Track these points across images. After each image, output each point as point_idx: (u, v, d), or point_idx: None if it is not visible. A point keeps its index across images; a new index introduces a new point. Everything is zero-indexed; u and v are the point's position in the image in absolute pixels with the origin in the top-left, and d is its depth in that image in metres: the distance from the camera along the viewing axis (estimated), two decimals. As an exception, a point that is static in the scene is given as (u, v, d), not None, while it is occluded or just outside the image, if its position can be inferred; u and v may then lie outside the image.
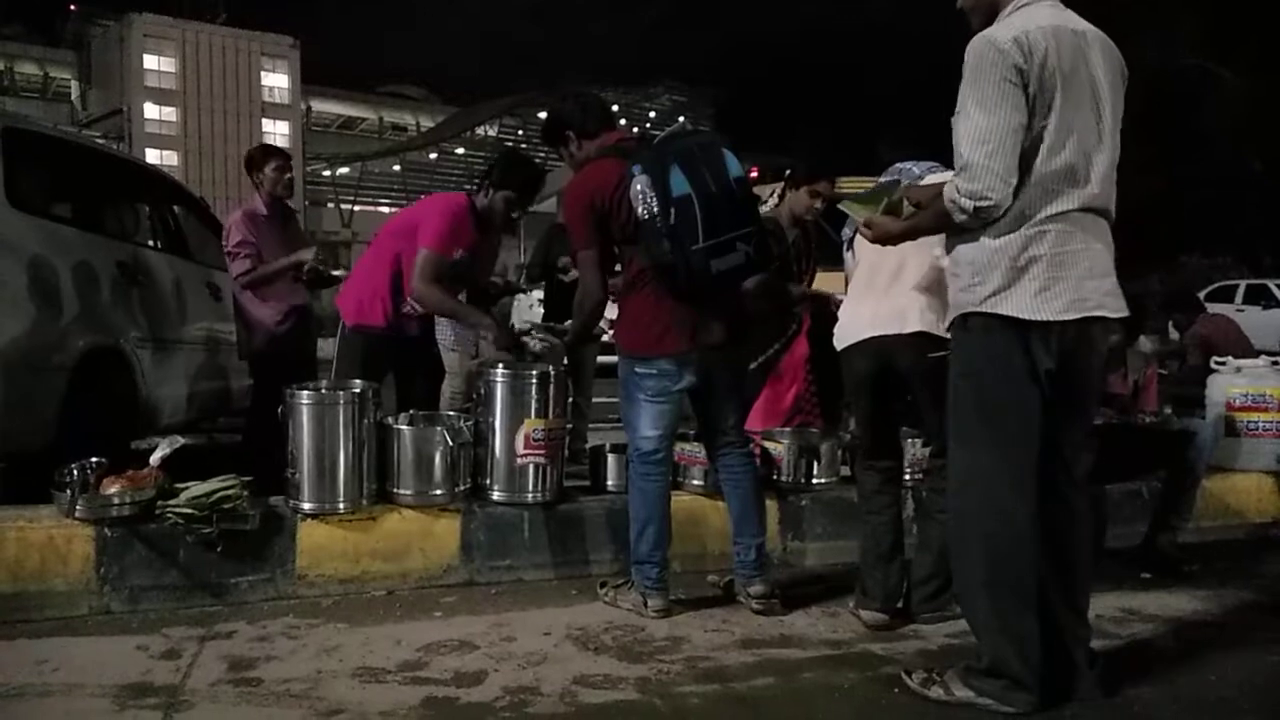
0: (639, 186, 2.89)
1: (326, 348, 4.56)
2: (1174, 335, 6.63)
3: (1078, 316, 2.32)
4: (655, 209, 2.87)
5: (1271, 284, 16.77)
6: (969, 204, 2.28)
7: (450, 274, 3.75)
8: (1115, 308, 2.38)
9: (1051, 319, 2.30)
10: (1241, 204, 22.48)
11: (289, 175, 4.69)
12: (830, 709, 2.48)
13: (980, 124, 2.25)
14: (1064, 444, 2.46)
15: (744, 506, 3.24)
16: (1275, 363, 4.57)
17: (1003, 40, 2.25)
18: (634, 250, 3.07)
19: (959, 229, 2.39)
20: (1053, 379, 2.36)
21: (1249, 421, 4.50)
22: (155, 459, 3.26)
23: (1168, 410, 4.23)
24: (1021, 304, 2.31)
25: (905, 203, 2.65)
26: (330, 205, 44.36)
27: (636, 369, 3.12)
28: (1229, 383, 4.59)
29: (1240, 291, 16.73)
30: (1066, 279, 2.30)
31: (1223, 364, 4.68)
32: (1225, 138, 21.48)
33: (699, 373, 3.10)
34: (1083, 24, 2.37)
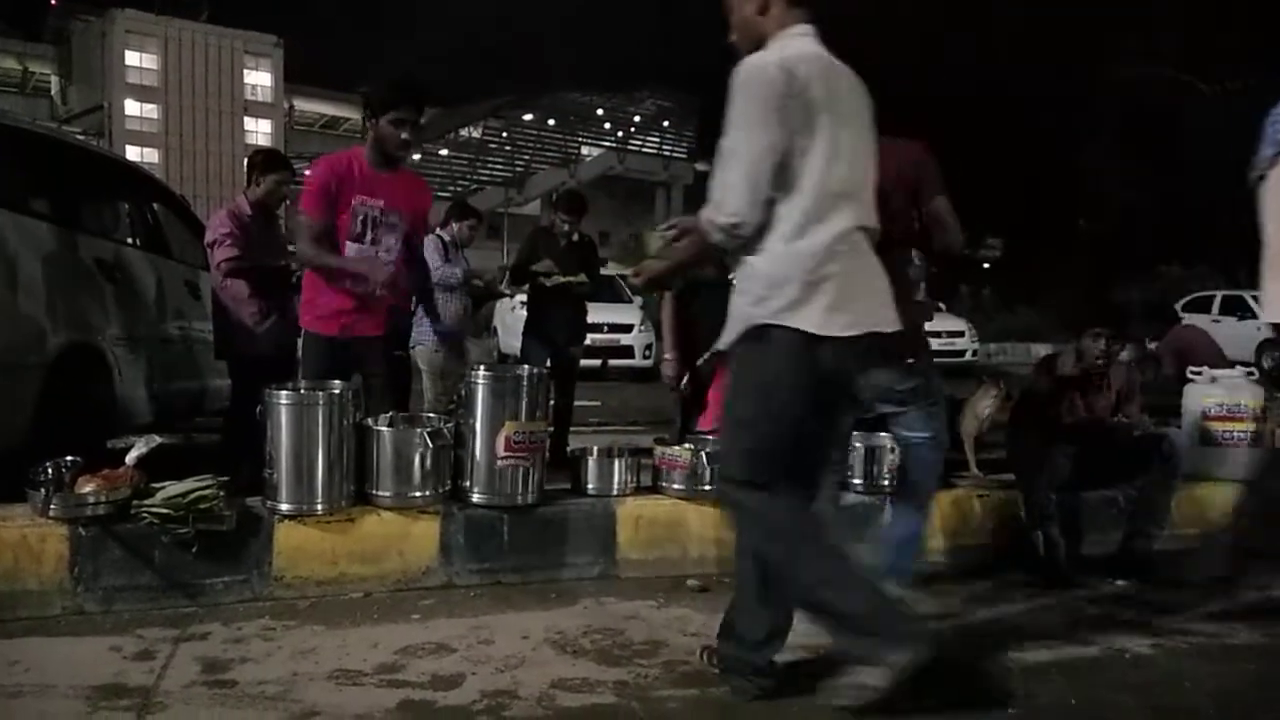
0: None
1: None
2: (1150, 346, 6.71)
3: (860, 333, 2.39)
4: None
5: (1248, 295, 16.95)
6: (724, 221, 2.36)
7: (375, 226, 3.58)
8: (891, 321, 2.47)
9: (839, 334, 2.35)
10: (1219, 215, 22.78)
11: (286, 190, 4.65)
12: (806, 714, 2.49)
13: (738, 147, 2.34)
14: (832, 448, 2.65)
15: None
16: (1250, 373, 4.62)
17: (769, 66, 2.33)
18: None
19: (722, 250, 2.48)
20: (829, 389, 2.44)
21: (1224, 431, 4.55)
22: (131, 458, 3.23)
23: (1145, 418, 4.26)
24: (813, 319, 2.34)
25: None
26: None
27: None
28: (1204, 393, 4.64)
29: (1216, 302, 16.91)
30: (855, 297, 2.39)
31: (1199, 374, 4.73)
32: (1203, 149, 21.79)
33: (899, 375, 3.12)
34: (838, 62, 2.46)
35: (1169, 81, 23.95)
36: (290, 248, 4.91)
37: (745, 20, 2.49)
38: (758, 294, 2.39)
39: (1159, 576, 3.78)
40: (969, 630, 3.17)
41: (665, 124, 44.21)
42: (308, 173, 3.77)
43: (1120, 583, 3.76)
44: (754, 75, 2.33)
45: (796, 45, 2.40)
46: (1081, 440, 3.93)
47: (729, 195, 2.34)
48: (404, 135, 3.52)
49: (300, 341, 3.91)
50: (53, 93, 44.51)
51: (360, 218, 3.56)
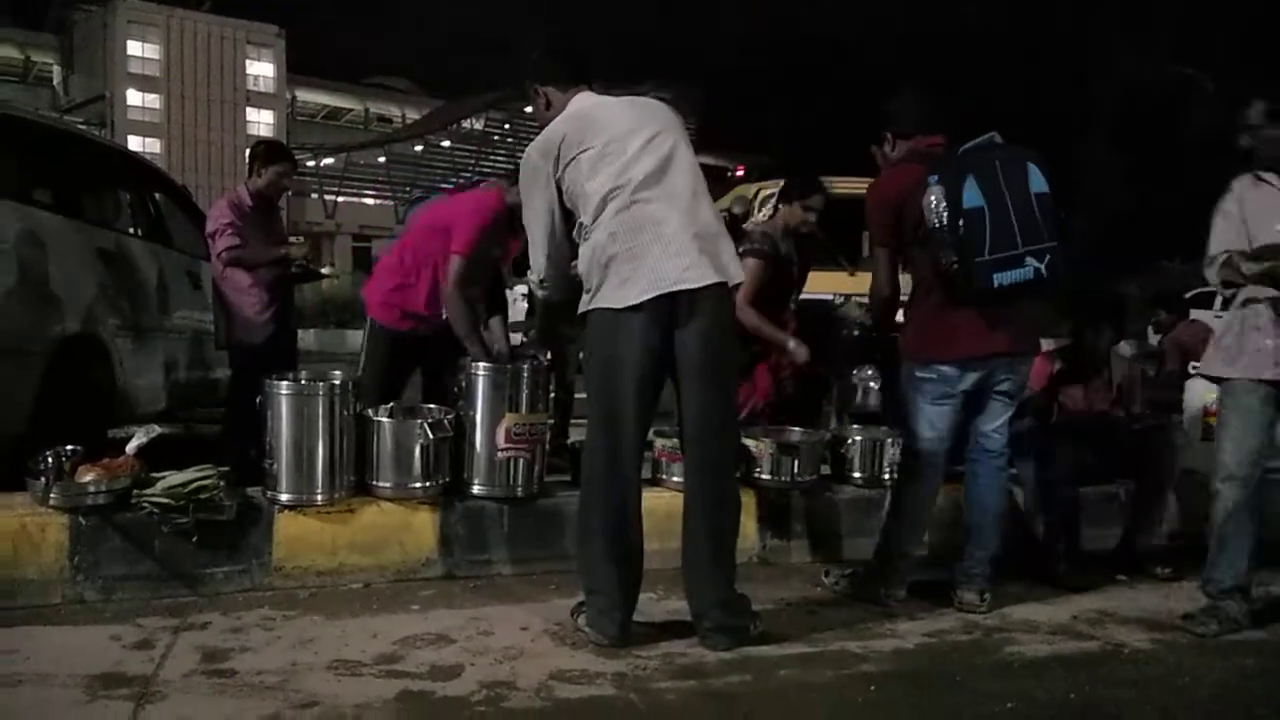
0: (932, 197, 2.98)
1: (307, 339, 4.55)
2: (1153, 340, 6.70)
3: (655, 295, 2.65)
4: (945, 219, 2.96)
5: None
6: (535, 280, 3.06)
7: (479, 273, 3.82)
8: (696, 279, 2.68)
9: (635, 302, 2.66)
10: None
11: (287, 182, 4.65)
12: (805, 707, 2.49)
13: (530, 224, 2.92)
14: (687, 411, 2.80)
15: (983, 516, 3.33)
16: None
17: (531, 152, 2.88)
18: (921, 256, 3.15)
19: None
20: (658, 354, 2.72)
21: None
22: (131, 448, 3.23)
23: (1146, 413, 4.25)
24: (612, 298, 2.69)
25: None
26: (314, 196, 44.07)
27: (917, 373, 3.23)
28: (1206, 388, 4.62)
29: (1218, 299, 16.84)
30: (640, 267, 2.67)
31: (1200, 368, 4.72)
32: (1206, 144, 21.72)
33: (980, 378, 3.19)
34: (614, 100, 2.90)
35: (1171, 76, 23.88)
36: (292, 239, 4.92)
37: (543, 119, 2.95)
38: (585, 285, 2.80)
39: (1158, 572, 3.79)
40: (968, 625, 3.17)
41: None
42: (463, 206, 3.93)
43: (1120, 577, 3.76)
44: (525, 165, 2.90)
45: (563, 115, 2.86)
46: (1081, 433, 3.92)
47: (536, 268, 2.97)
48: None
49: (365, 332, 4.10)
50: (55, 82, 44.45)
51: None
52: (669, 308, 2.68)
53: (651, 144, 2.78)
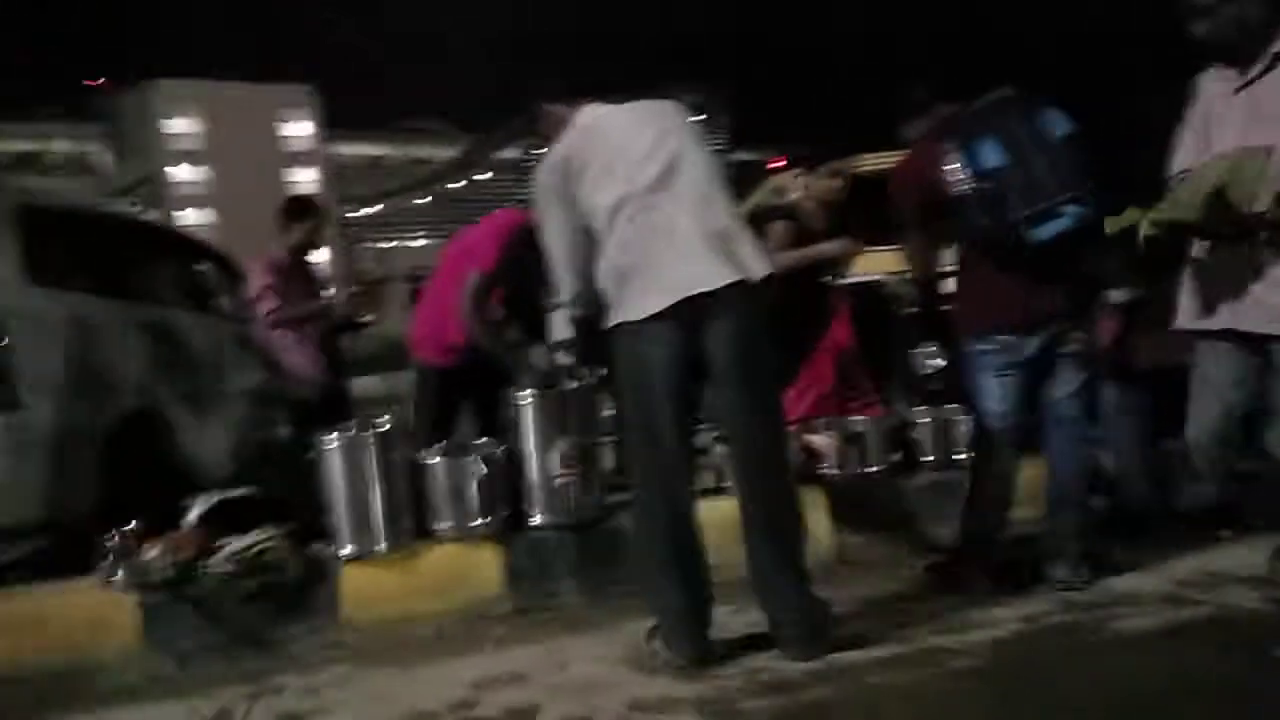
0: (955, 164, 2.90)
1: (368, 385, 4.58)
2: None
3: (675, 300, 2.57)
4: (969, 184, 2.87)
5: None
6: (564, 301, 3.03)
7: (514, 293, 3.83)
8: (714, 279, 2.59)
9: (655, 310, 2.58)
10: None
11: (319, 235, 4.68)
12: (899, 714, 2.36)
13: (550, 244, 2.88)
14: (725, 415, 2.75)
15: (1063, 489, 3.17)
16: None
17: (541, 173, 2.85)
18: (957, 226, 3.05)
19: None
20: (687, 362, 2.64)
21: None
22: (192, 518, 3.24)
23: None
24: (633, 310, 2.63)
25: None
26: (364, 245, 44.95)
27: (977, 345, 3.11)
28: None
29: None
30: (656, 275, 2.61)
31: None
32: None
33: (1043, 342, 3.05)
34: (618, 109, 2.84)
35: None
36: (332, 290, 4.93)
37: (551, 138, 2.86)
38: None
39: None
40: (1066, 603, 3.00)
41: (699, 119, 44.13)
42: (486, 225, 3.98)
43: (1223, 533, 3.52)
44: (536, 185, 2.86)
45: (569, 131, 2.81)
46: (1161, 388, 3.70)
47: (560, 286, 2.95)
48: None
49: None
50: (103, 167, 46.03)
51: None
52: (691, 312, 2.60)
53: (657, 148, 2.72)
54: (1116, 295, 3.76)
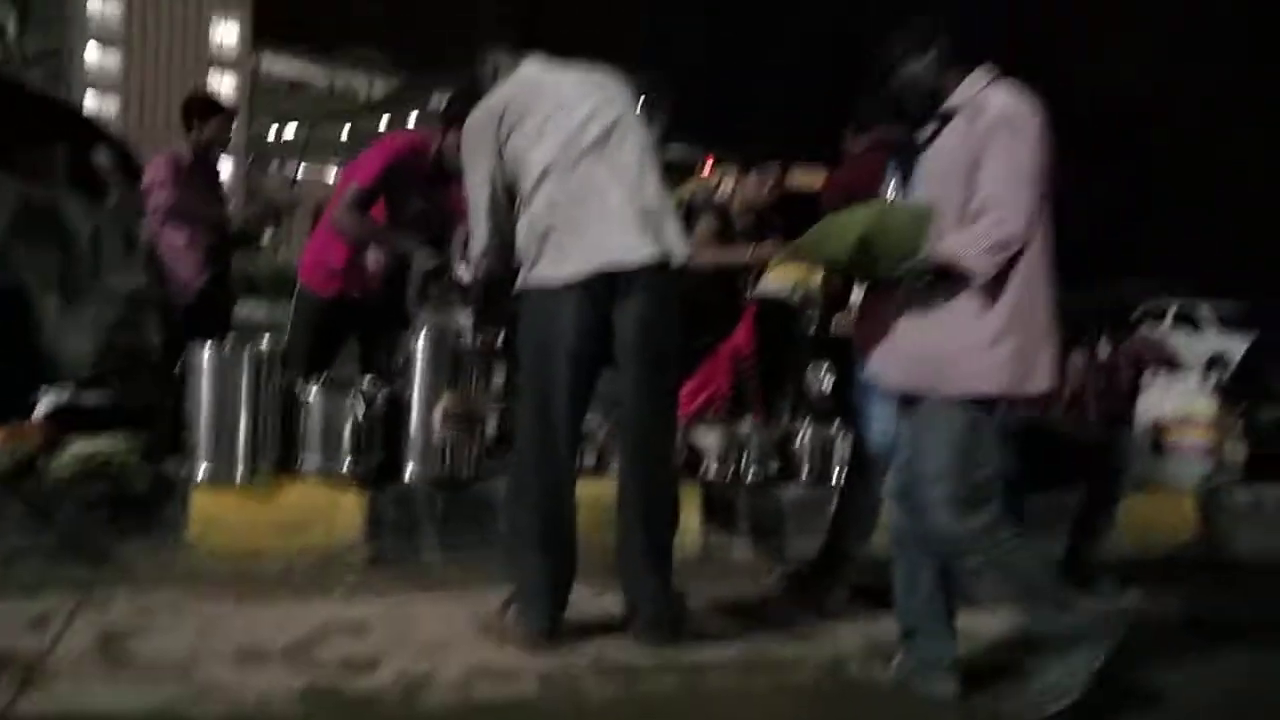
0: (886, 186, 2.79)
1: (259, 312, 4.39)
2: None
3: (593, 271, 2.52)
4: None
5: (1202, 308, 17.13)
6: (477, 256, 2.82)
7: (410, 221, 3.61)
8: (637, 255, 2.55)
9: (571, 278, 2.53)
10: (1176, 226, 23.06)
11: (227, 135, 4.44)
12: (734, 717, 2.39)
13: (472, 192, 2.75)
14: (624, 396, 2.67)
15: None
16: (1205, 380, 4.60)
17: (475, 118, 2.73)
18: None
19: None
20: (595, 335, 2.58)
21: (1177, 439, 4.52)
22: (40, 413, 3.05)
23: (1096, 422, 4.21)
24: (549, 272, 2.56)
25: None
26: (274, 167, 43.35)
27: (868, 369, 2.97)
28: (1159, 399, 4.61)
29: (1170, 315, 17.08)
30: (579, 240, 2.55)
31: (1154, 380, 4.69)
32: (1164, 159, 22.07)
33: None
34: (563, 68, 2.77)
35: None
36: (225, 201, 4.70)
37: (490, 86, 2.78)
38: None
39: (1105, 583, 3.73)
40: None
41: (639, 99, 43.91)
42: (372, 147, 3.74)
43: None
44: (468, 126, 2.74)
45: (509, 81, 2.74)
46: (1027, 438, 3.84)
47: (474, 236, 2.80)
48: None
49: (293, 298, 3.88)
50: (8, 38, 43.18)
51: None
52: (607, 286, 2.55)
53: (599, 113, 2.66)
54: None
